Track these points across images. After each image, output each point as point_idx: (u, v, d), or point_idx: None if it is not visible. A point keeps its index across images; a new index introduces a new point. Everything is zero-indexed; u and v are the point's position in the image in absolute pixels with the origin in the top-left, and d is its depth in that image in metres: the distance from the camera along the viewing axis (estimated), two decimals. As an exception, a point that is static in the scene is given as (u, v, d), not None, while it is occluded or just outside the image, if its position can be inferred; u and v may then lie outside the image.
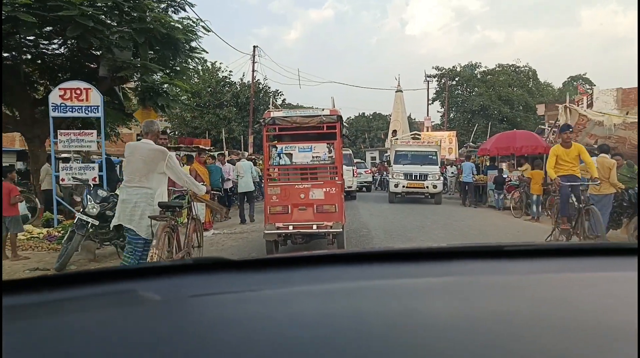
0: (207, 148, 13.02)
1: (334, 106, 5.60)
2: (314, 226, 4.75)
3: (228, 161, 9.74)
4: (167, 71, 7.49)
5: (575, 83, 44.67)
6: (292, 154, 5.05)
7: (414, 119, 47.59)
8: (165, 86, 8.58)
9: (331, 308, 0.57)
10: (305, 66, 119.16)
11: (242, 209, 8.41)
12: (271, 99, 23.52)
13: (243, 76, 22.98)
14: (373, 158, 38.78)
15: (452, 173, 16.46)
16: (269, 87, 23.11)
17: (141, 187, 3.35)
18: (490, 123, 29.43)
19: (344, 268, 0.79)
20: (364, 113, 51.82)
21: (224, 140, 13.81)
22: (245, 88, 22.42)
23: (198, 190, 3.75)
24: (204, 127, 20.77)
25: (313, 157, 5.05)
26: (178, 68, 7.78)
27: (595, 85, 42.20)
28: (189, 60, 7.77)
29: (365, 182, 17.90)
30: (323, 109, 4.96)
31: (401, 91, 40.67)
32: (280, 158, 5.07)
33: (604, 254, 0.86)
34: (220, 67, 22.29)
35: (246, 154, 18.41)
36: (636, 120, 7.71)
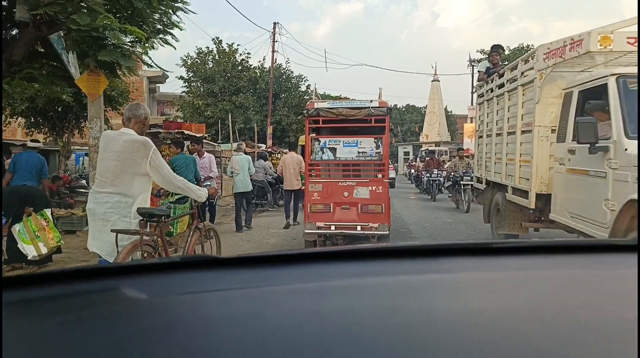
0: (199, 135, 11.53)
1: (380, 97, 5.40)
2: (358, 228, 4.71)
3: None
4: (146, 29, 5.28)
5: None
6: (336, 148, 5.00)
7: (450, 111, 45.28)
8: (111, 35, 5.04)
9: (323, 306, 0.60)
10: (337, 71, 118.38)
11: (238, 213, 7.46)
12: (306, 88, 22.27)
13: (263, 59, 21.77)
14: (406, 153, 36.90)
15: None
16: (292, 72, 21.69)
17: (113, 193, 2.73)
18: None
19: (336, 265, 0.84)
20: (396, 105, 50.58)
21: (230, 128, 12.48)
22: (265, 73, 21.07)
23: (196, 196, 3.14)
24: (218, 116, 19.62)
25: (359, 152, 4.98)
26: (159, 26, 5.55)
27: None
28: (170, 12, 5.44)
29: (390, 178, 18.37)
30: (371, 101, 4.90)
31: (438, 81, 38.92)
32: (323, 153, 5.01)
33: (603, 250, 0.91)
34: (237, 50, 21.07)
35: (263, 146, 17.25)
36: None
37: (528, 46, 28.97)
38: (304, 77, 23.48)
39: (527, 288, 0.67)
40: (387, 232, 4.75)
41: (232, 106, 21.53)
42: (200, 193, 3.13)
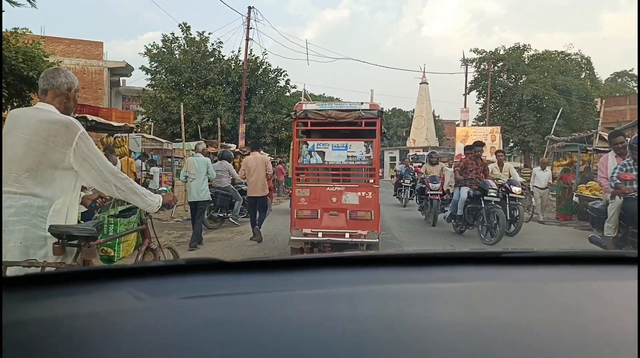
0: (122, 124, 10.10)
1: (372, 100, 6.14)
2: (347, 235, 4.79)
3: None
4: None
5: (619, 80, 42.36)
6: (324, 152, 5.06)
7: (438, 116, 45.97)
8: None
9: (327, 313, 0.64)
10: (320, 66, 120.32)
11: (194, 227, 6.76)
12: (285, 83, 21.29)
13: (239, 52, 20.54)
14: (392, 158, 36.54)
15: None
16: (269, 65, 20.63)
17: (20, 194, 2.06)
18: (538, 117, 26.53)
19: (342, 272, 0.89)
20: (382, 108, 50.82)
21: (182, 124, 11.40)
22: (239, 66, 19.94)
23: (145, 204, 2.45)
24: (184, 111, 18.24)
25: (348, 156, 5.05)
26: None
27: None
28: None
29: None
30: (362, 103, 4.99)
31: (427, 83, 39.37)
32: (311, 156, 5.08)
33: (605, 262, 1.01)
34: (207, 38, 19.90)
35: (232, 146, 16.13)
36: None
37: (524, 45, 29.08)
38: (283, 71, 22.30)
39: (532, 299, 0.73)
40: (377, 240, 4.84)
41: (199, 101, 20.18)
42: (151, 201, 2.48)
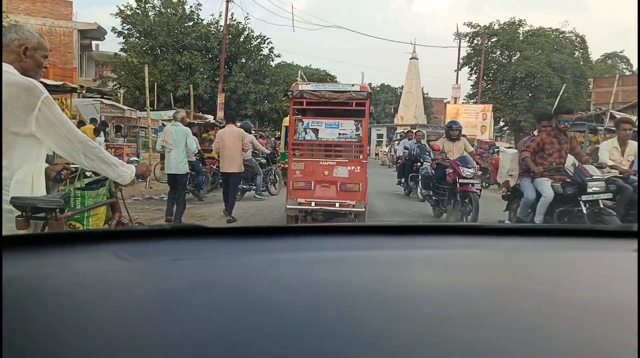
0: (59, 83, 9.55)
1: (363, 82, 6.88)
2: (337, 204, 5.48)
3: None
4: None
5: (609, 61, 43.03)
6: (318, 129, 5.71)
7: (426, 94, 46.16)
8: None
9: (312, 275, 0.68)
10: (307, 40, 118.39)
11: (170, 203, 6.69)
12: (269, 51, 20.73)
13: (220, 16, 19.78)
14: (380, 135, 36.47)
15: None
16: (252, 31, 19.95)
17: None
18: (531, 96, 26.64)
19: (327, 238, 0.96)
20: (370, 84, 51.06)
21: (153, 91, 10.92)
22: (220, 31, 19.20)
23: (116, 175, 2.42)
24: (157, 78, 17.57)
25: (340, 134, 5.71)
26: None
27: (632, 65, 41.14)
28: None
29: None
30: (353, 85, 5.61)
31: (417, 59, 39.17)
32: (306, 133, 5.72)
33: (583, 235, 1.09)
34: (185, 0, 19.03)
35: (210, 118, 15.67)
36: None
37: (520, 20, 28.95)
38: (267, 39, 21.62)
39: (510, 267, 0.77)
40: (364, 209, 5.59)
41: (174, 67, 19.44)
42: (123, 171, 2.44)
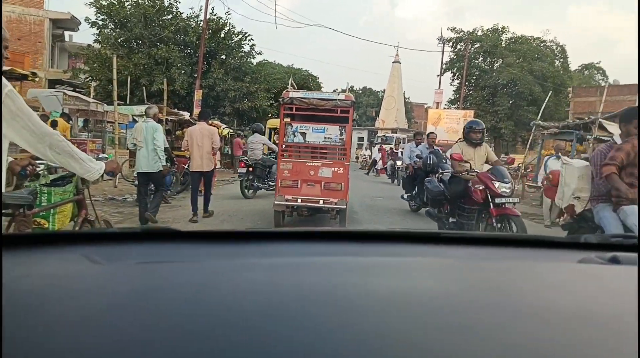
0: (25, 72, 9.24)
1: (347, 91, 7.60)
2: (320, 201, 6.21)
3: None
4: None
5: (586, 72, 44.58)
6: (306, 133, 6.47)
7: (408, 98, 46.90)
8: None
9: (274, 280, 0.72)
10: (290, 39, 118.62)
11: (142, 205, 6.52)
12: (250, 48, 20.61)
13: (200, 10, 19.51)
14: (361, 138, 36.68)
15: None
16: (233, 27, 19.80)
17: None
18: (512, 103, 27.26)
19: (291, 244, 1.03)
20: (352, 87, 51.87)
21: (126, 84, 10.68)
22: (198, 24, 18.97)
23: (84, 171, 2.41)
24: (131, 72, 17.23)
25: (325, 138, 6.46)
26: None
27: (608, 76, 42.67)
28: None
29: None
30: (338, 94, 6.56)
31: (399, 62, 39.69)
32: (295, 136, 6.47)
33: (539, 246, 1.18)
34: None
35: (186, 115, 15.46)
36: None
37: (503, 27, 29.66)
38: (248, 35, 21.50)
39: (468, 274, 0.83)
40: (345, 206, 6.30)
41: (150, 61, 19.10)
42: (91, 167, 2.43)
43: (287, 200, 6.22)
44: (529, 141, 15.14)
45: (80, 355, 0.46)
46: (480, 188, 5.22)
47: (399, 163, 15.11)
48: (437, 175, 6.79)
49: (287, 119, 6.64)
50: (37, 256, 0.82)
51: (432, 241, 1.15)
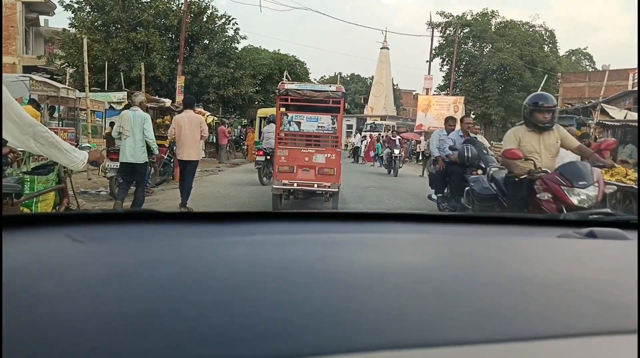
0: None
1: (338, 80, 9.35)
2: (315, 185, 6.88)
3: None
4: None
5: (573, 57, 45.33)
6: (300, 122, 7.15)
7: (396, 85, 47.09)
8: None
9: (258, 256, 0.75)
10: (278, 28, 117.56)
11: (120, 197, 6.48)
12: (234, 32, 20.33)
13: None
14: (349, 126, 36.63)
15: None
16: (216, 10, 19.49)
17: None
18: (502, 89, 27.41)
19: (274, 224, 1.08)
20: (340, 73, 51.71)
21: (104, 71, 10.39)
22: (179, 8, 18.61)
23: (68, 160, 2.50)
24: (109, 57, 16.84)
25: (318, 126, 7.15)
26: None
27: (595, 62, 43.47)
28: None
29: None
30: (330, 86, 7.27)
31: (387, 48, 39.73)
32: (290, 125, 7.14)
33: (521, 223, 1.26)
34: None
35: (168, 102, 15.20)
36: None
37: (492, 11, 29.76)
38: (232, 19, 21.20)
39: (448, 249, 0.89)
40: (337, 190, 6.96)
41: (129, 45, 18.67)
42: (75, 157, 2.51)
43: (284, 184, 6.81)
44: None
45: (62, 330, 0.48)
46: (547, 197, 3.82)
47: (396, 151, 15.01)
48: (486, 172, 5.42)
49: (283, 109, 7.19)
50: (21, 237, 0.85)
51: (415, 219, 1.21)
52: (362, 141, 23.39)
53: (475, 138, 7.12)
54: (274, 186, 6.92)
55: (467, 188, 5.64)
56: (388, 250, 0.84)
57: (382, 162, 17.21)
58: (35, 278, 0.62)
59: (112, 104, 13.81)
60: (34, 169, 3.41)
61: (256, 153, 11.18)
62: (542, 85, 15.97)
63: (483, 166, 6.08)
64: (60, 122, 14.56)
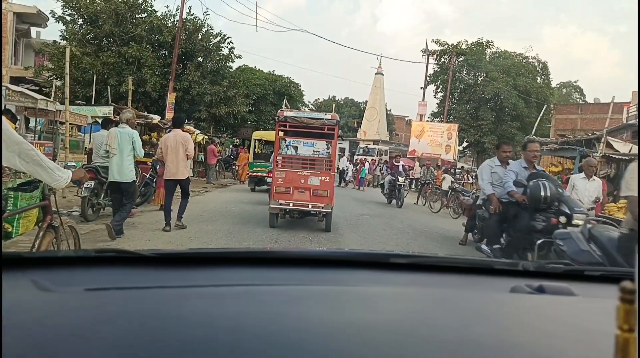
0: None
1: (331, 103, 10.54)
2: (309, 206, 7.53)
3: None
4: None
5: (564, 90, 46.65)
6: (297, 147, 7.89)
7: (389, 110, 47.86)
8: None
9: (214, 309, 0.79)
10: (274, 49, 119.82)
11: (115, 211, 6.59)
12: (229, 51, 20.61)
13: (176, 10, 19.34)
14: (342, 149, 36.79)
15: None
16: (212, 28, 19.65)
17: None
18: (495, 118, 27.91)
19: (234, 270, 1.12)
20: (334, 97, 52.20)
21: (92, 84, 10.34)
22: (174, 24, 18.74)
23: (51, 179, 2.63)
24: (99, 71, 16.83)
25: (314, 151, 7.86)
26: None
27: (585, 95, 44.68)
28: None
29: None
30: (326, 114, 7.95)
31: (382, 74, 40.43)
32: (288, 149, 7.86)
33: (480, 273, 1.25)
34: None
35: (156, 118, 15.15)
36: None
37: (487, 41, 30.56)
38: (227, 37, 21.36)
39: (402, 305, 0.91)
40: (330, 211, 7.66)
41: (120, 60, 18.68)
42: (58, 176, 2.64)
43: (280, 204, 7.49)
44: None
45: None
46: None
47: (400, 179, 13.76)
48: (581, 227, 4.11)
49: (281, 134, 7.91)
50: None
51: (376, 266, 1.22)
52: (348, 165, 23.64)
53: (543, 170, 5.85)
54: (271, 206, 7.55)
55: (552, 247, 4.32)
56: (340, 304, 0.87)
57: (382, 189, 15.19)
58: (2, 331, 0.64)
59: (97, 119, 13.57)
60: (19, 185, 3.41)
61: (250, 173, 12.14)
62: (540, 116, 16.23)
63: (566, 211, 4.78)
64: (38, 136, 14.21)
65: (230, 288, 0.94)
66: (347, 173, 23.20)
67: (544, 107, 17.68)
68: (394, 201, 14.10)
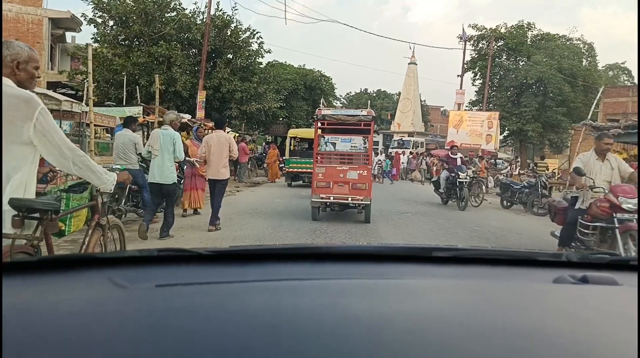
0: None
1: (369, 108, 8.98)
2: (349, 199, 8.19)
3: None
4: None
5: (611, 72, 44.58)
6: (335, 143, 8.69)
7: (424, 101, 47.09)
8: None
9: (274, 303, 0.84)
10: (304, 46, 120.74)
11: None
12: (258, 46, 20.85)
13: (205, 7, 19.51)
14: (375, 143, 36.56)
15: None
16: (240, 24, 19.82)
17: None
18: (539, 104, 26.80)
19: (290, 265, 1.19)
20: (366, 89, 52.01)
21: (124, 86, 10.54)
22: (203, 21, 19.03)
23: (100, 182, 2.90)
24: (130, 71, 17.29)
25: (351, 146, 8.62)
26: None
27: (634, 77, 42.56)
28: None
29: None
30: (362, 110, 8.55)
31: (415, 64, 39.97)
32: (326, 146, 8.70)
33: (522, 264, 1.27)
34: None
35: (187, 117, 15.42)
36: None
37: (529, 23, 29.53)
38: (257, 33, 21.50)
39: (449, 295, 0.95)
40: (369, 203, 8.24)
41: (150, 59, 19.12)
42: (106, 179, 2.93)
43: (321, 198, 8.21)
44: (579, 142, 13.21)
45: None
46: None
47: (462, 174, 11.77)
48: None
49: (320, 132, 8.71)
50: (67, 281, 0.97)
51: (416, 260, 1.27)
52: (382, 159, 23.43)
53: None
54: (313, 200, 8.28)
55: None
56: (384, 297, 0.91)
57: (438, 188, 13.10)
58: (85, 326, 0.70)
59: (119, 118, 13.79)
60: (70, 187, 3.88)
61: (287, 169, 13.91)
62: (596, 100, 15.44)
63: None
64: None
65: (285, 283, 1.01)
66: (374, 167, 21.36)
67: (601, 89, 16.75)
68: (450, 201, 12.44)
